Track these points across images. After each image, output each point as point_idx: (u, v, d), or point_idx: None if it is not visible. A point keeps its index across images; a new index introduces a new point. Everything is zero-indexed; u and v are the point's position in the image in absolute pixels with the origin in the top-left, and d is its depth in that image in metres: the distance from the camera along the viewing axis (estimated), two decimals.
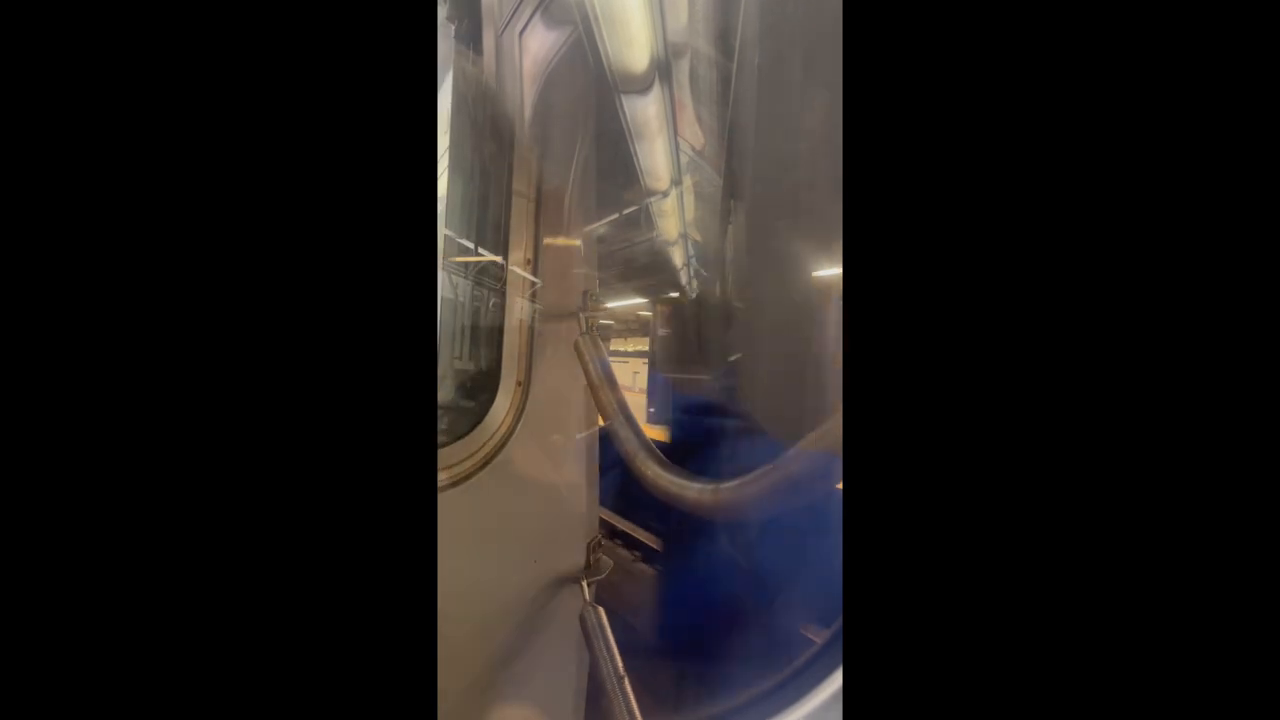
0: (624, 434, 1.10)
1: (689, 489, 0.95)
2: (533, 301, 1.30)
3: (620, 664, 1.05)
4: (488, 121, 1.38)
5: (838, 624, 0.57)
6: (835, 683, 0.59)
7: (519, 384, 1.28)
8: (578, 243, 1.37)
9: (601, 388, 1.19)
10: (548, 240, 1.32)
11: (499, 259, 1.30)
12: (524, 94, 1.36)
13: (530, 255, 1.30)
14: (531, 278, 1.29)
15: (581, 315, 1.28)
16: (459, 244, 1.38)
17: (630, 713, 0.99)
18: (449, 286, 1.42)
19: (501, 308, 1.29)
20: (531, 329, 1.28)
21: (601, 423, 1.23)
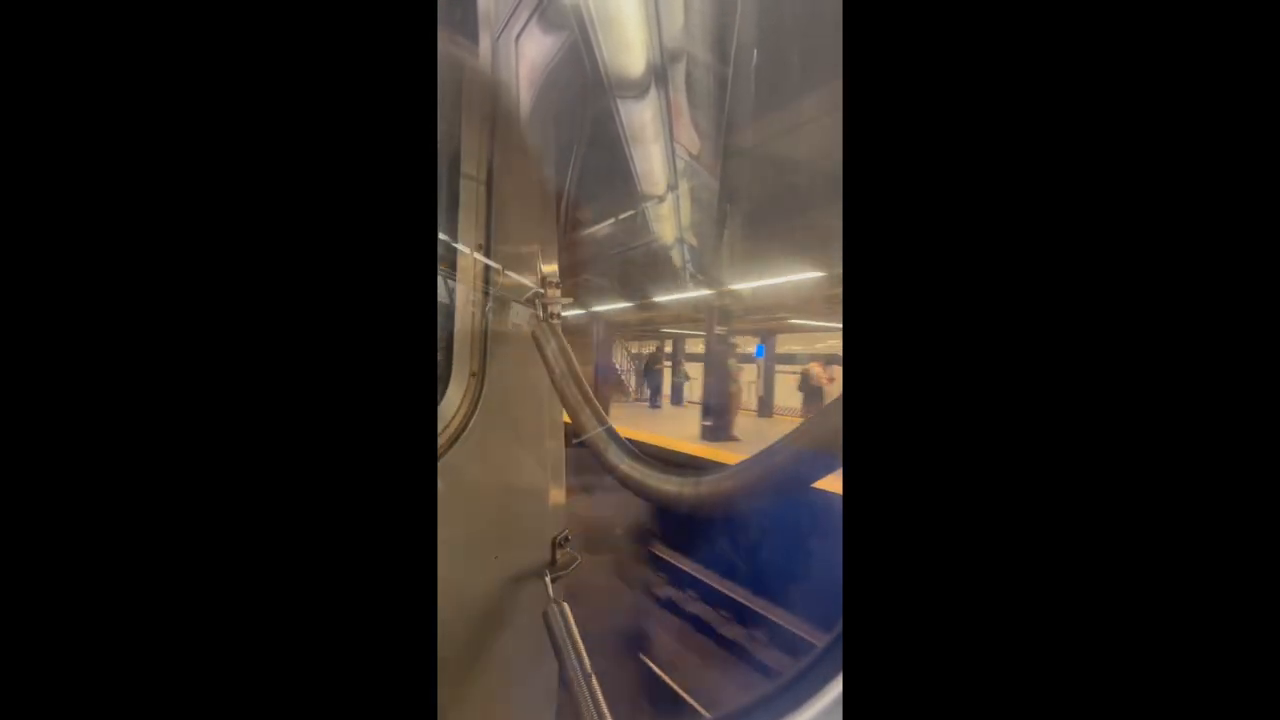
0: (591, 427, 1.04)
1: (668, 483, 0.91)
2: (485, 289, 1.23)
3: (587, 662, 1.00)
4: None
5: (838, 628, 0.56)
6: (836, 688, 0.58)
7: (473, 375, 1.20)
8: (536, 248, 1.32)
9: (564, 378, 1.11)
10: (506, 239, 1.24)
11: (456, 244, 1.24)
12: (520, 97, 1.35)
13: (482, 240, 1.22)
14: (487, 260, 1.21)
15: (539, 301, 1.20)
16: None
17: (599, 713, 0.96)
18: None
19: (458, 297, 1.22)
20: (485, 317, 1.22)
21: (566, 417, 1.15)
